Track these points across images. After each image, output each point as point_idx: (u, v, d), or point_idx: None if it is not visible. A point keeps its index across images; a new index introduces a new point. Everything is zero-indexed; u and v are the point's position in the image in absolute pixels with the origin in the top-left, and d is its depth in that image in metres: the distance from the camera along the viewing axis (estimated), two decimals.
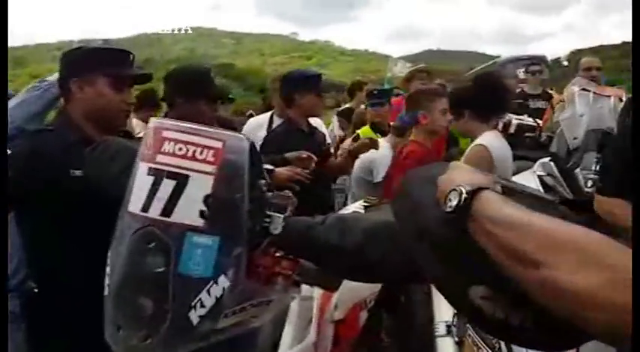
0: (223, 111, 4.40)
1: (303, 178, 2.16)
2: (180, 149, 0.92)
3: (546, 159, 2.89)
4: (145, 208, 0.92)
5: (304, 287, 1.11)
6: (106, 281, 0.97)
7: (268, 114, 3.96)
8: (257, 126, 3.76)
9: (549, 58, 7.79)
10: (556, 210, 0.92)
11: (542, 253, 0.64)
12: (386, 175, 3.53)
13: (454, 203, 0.76)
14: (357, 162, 3.58)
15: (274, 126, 3.53)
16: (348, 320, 1.88)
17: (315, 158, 2.41)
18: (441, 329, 1.64)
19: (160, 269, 0.89)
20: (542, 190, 2.50)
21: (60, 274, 1.41)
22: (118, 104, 1.58)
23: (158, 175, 0.92)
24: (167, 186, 0.91)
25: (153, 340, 0.88)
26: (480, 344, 1.57)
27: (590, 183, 2.42)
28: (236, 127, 3.88)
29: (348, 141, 4.10)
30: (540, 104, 4.91)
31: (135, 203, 0.94)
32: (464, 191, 0.76)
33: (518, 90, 5.64)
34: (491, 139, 2.84)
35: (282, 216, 1.03)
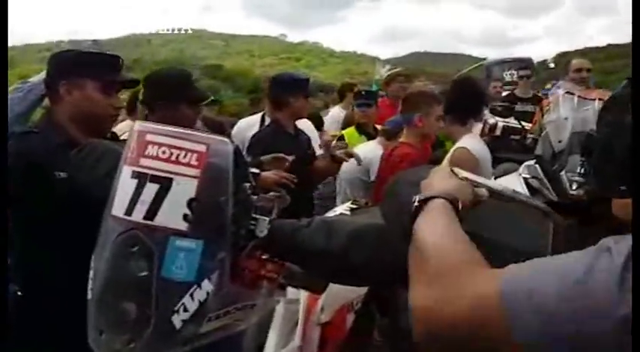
0: (207, 112, 4.38)
1: (289, 182, 2.17)
2: (163, 152, 0.91)
3: (531, 162, 2.91)
4: (129, 212, 0.91)
5: (290, 290, 1.11)
6: (90, 285, 0.96)
7: (259, 115, 3.96)
8: (247, 127, 3.76)
9: (535, 60, 7.83)
10: (546, 217, 0.93)
11: (414, 274, 0.71)
12: (377, 176, 3.54)
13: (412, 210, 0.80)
14: (351, 164, 3.57)
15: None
16: (334, 322, 1.88)
17: (289, 159, 2.42)
18: None
19: (143, 274, 0.88)
20: (527, 193, 2.52)
21: (44, 277, 1.40)
22: (106, 108, 1.57)
23: (142, 179, 0.92)
24: (151, 189, 0.91)
25: (136, 344, 0.87)
26: None
27: (575, 186, 2.44)
28: (225, 128, 3.87)
29: (333, 143, 4.10)
30: (529, 107, 4.94)
31: (118, 206, 0.93)
32: (416, 200, 0.80)
33: (506, 93, 5.67)
34: (472, 142, 2.91)
35: (267, 218, 1.03)
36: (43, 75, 1.68)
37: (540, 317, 0.56)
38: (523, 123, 3.90)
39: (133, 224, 0.90)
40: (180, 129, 0.93)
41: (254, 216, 1.02)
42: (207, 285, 0.87)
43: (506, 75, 6.41)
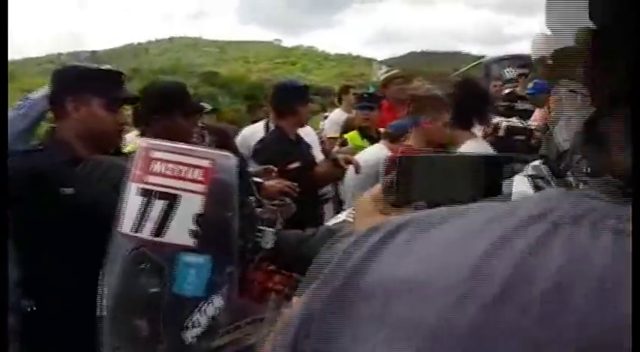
0: (208, 120, 4.38)
1: (292, 191, 2.18)
2: (169, 169, 0.92)
3: (538, 162, 2.89)
4: (137, 229, 0.92)
5: None
6: (101, 301, 0.97)
7: (262, 122, 3.97)
8: (251, 135, 3.77)
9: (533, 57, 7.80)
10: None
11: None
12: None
13: None
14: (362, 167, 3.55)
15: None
16: None
17: (275, 169, 2.43)
18: None
19: (153, 290, 0.89)
20: (533, 193, 2.51)
21: (55, 292, 1.41)
22: (112, 124, 1.59)
23: (149, 196, 0.93)
24: (158, 206, 0.91)
25: None
26: None
27: (581, 186, 2.43)
28: (230, 135, 3.87)
29: (335, 148, 4.09)
30: (528, 105, 4.91)
31: (126, 223, 0.94)
32: None
33: (508, 91, 5.64)
34: (475, 147, 2.78)
35: (273, 230, 1.04)
36: (43, 90, 1.69)
37: None
38: (525, 122, 3.85)
39: (142, 241, 0.91)
40: (185, 146, 0.95)
41: (260, 227, 1.03)
42: (217, 300, 0.88)
43: (506, 72, 6.35)
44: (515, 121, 3.86)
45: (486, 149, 2.87)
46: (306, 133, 3.47)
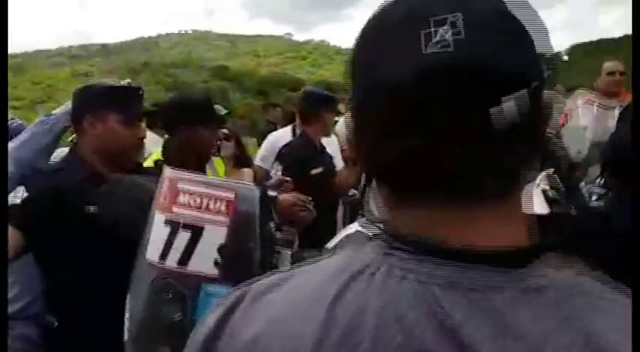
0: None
1: (305, 203, 2.22)
2: (194, 200, 0.96)
3: (550, 172, 2.90)
4: (163, 257, 0.96)
5: None
6: (126, 325, 1.01)
7: (289, 127, 4.00)
8: (278, 139, 3.80)
9: None
10: None
11: None
12: None
13: None
14: None
15: None
16: None
17: (289, 180, 2.48)
18: None
19: (177, 318, 0.93)
20: (544, 203, 2.52)
21: (79, 309, 1.44)
22: (130, 139, 1.62)
23: (174, 226, 0.96)
24: (183, 236, 0.95)
25: None
26: None
27: (594, 197, 2.44)
28: (239, 138, 3.89)
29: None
30: None
31: (152, 252, 0.98)
32: None
33: None
34: None
35: (290, 251, 1.07)
36: (65, 107, 1.73)
37: None
38: None
39: (167, 271, 0.94)
40: (210, 178, 0.98)
41: (277, 249, 1.06)
42: None
43: None
44: None
45: None
46: (329, 143, 3.51)
